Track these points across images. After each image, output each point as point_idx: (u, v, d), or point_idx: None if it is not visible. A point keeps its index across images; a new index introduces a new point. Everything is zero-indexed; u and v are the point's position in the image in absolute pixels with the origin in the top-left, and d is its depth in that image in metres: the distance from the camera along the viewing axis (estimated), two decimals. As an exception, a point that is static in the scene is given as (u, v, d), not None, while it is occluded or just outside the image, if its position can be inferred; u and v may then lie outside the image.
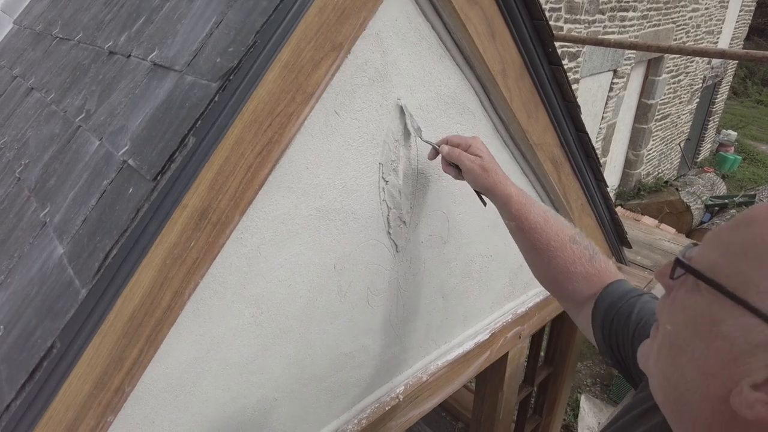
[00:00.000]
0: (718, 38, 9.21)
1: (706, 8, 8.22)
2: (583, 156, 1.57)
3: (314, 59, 0.79)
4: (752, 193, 8.24)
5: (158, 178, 0.67)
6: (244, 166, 0.76)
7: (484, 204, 1.08)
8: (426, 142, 1.08)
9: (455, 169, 1.04)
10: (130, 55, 0.98)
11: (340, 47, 0.83)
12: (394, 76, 0.99)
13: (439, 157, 1.07)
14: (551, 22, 4.97)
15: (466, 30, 1.03)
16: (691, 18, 7.83)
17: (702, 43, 8.50)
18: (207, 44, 0.76)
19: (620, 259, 2.17)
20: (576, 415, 4.16)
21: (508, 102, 1.21)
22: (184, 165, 0.68)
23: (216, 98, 0.67)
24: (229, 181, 0.76)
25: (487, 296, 1.59)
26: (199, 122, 0.67)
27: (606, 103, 6.63)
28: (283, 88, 0.77)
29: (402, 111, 1.04)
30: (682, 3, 7.38)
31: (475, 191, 1.07)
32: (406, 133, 1.07)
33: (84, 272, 0.68)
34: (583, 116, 1.44)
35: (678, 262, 0.50)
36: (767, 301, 0.42)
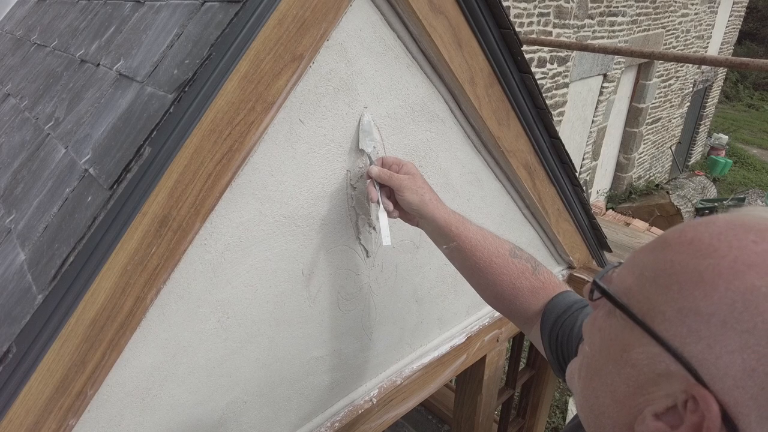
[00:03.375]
0: (708, 43, 9.29)
1: (696, 13, 8.29)
2: (558, 162, 1.59)
3: (274, 70, 0.81)
4: (742, 196, 8.32)
5: (115, 186, 0.69)
6: (203, 174, 0.78)
7: (389, 243, 1.00)
8: (366, 154, 1.04)
9: (377, 192, 0.98)
10: (99, 64, 1.00)
11: (300, 58, 0.85)
12: (360, 85, 1.01)
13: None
14: (540, 27, 5.02)
15: (431, 39, 1.05)
16: (680, 23, 7.90)
17: (692, 47, 8.57)
18: (167, 56, 0.78)
19: (601, 263, 2.19)
20: (565, 418, 4.19)
21: (477, 110, 1.23)
22: (142, 174, 0.70)
23: (171, 109, 0.69)
24: (189, 189, 0.77)
25: (462, 300, 1.61)
26: (155, 132, 0.69)
27: (596, 107, 6.68)
28: (243, 98, 0.78)
29: (360, 122, 1.04)
30: (672, 8, 7.45)
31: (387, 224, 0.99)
32: (374, 141, 1.09)
33: (41, 278, 0.69)
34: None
35: (595, 285, 0.50)
36: (670, 329, 0.41)
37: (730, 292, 0.38)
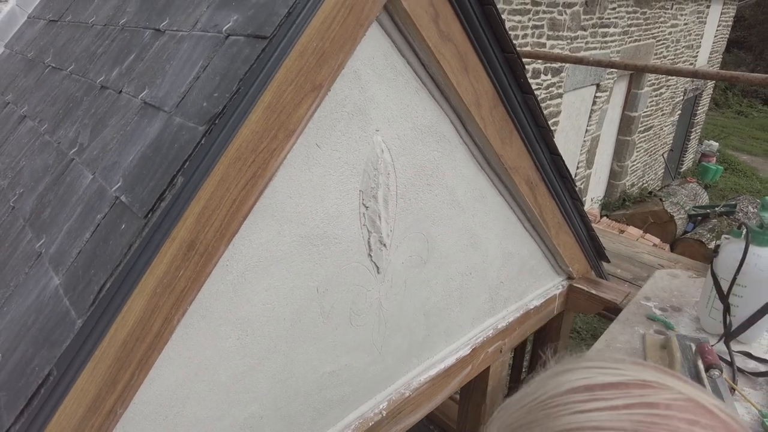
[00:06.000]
0: (697, 52, 9.44)
1: (685, 24, 8.44)
2: (558, 177, 1.64)
3: (295, 100, 0.85)
4: (733, 202, 8.41)
5: (149, 215, 0.72)
6: (229, 200, 0.82)
7: None
8: None
9: None
10: (121, 91, 1.04)
11: (319, 87, 0.89)
12: (372, 109, 1.05)
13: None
14: (534, 39, 5.10)
15: (440, 66, 1.10)
16: (670, 33, 8.04)
17: (682, 57, 8.71)
18: (194, 87, 0.82)
19: (599, 274, 2.24)
20: (563, 425, 4.21)
21: (482, 130, 1.27)
22: (173, 202, 0.73)
23: (202, 141, 0.73)
24: (215, 215, 0.81)
25: (467, 312, 1.64)
26: (187, 163, 0.73)
27: (590, 117, 6.77)
28: (266, 127, 0.82)
29: None
30: (662, 19, 7.58)
31: None
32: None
33: (80, 303, 0.72)
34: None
35: None
36: None
37: None
